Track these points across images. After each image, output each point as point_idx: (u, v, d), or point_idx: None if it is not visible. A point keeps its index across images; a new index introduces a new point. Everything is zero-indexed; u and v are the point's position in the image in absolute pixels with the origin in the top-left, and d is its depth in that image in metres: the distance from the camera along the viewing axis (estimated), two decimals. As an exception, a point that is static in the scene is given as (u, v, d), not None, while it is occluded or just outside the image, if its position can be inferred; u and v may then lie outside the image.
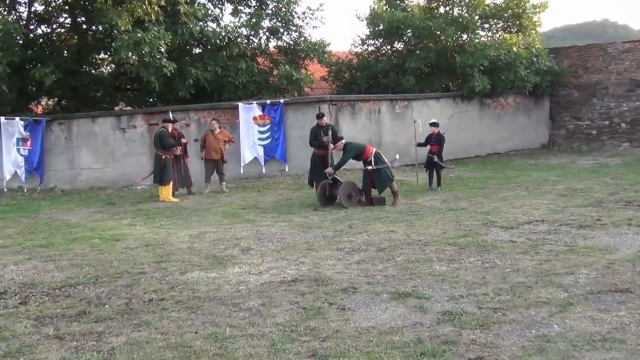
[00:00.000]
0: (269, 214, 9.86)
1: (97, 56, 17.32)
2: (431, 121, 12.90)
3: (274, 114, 14.79)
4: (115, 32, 13.61)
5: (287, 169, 15.08)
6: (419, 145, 12.36)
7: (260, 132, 14.88)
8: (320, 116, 11.54)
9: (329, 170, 10.33)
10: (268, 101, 14.90)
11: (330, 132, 11.01)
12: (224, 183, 13.35)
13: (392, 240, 7.09)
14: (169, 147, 11.88)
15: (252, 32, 16.14)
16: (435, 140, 12.30)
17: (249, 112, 14.71)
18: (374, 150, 10.38)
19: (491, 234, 7.22)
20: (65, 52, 16.16)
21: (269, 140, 14.87)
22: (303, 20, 17.16)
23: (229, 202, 11.59)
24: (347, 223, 8.56)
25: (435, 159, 12.06)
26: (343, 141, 10.33)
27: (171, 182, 12.02)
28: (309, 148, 12.00)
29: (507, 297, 4.64)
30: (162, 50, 13.76)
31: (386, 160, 10.41)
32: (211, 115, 14.62)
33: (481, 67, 17.31)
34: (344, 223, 8.57)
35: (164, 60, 13.90)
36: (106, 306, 4.87)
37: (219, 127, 13.30)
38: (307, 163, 12.28)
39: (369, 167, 10.18)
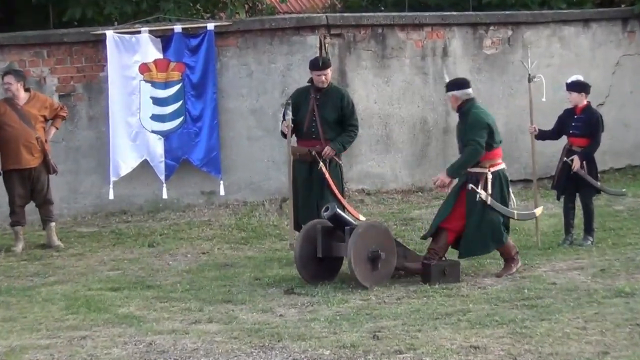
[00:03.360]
0: (178, 304, 8.26)
1: None
2: (571, 79, 10.55)
3: (190, 58, 12.76)
4: None
5: (221, 191, 12.81)
6: (541, 137, 10.57)
7: (158, 103, 12.67)
8: (318, 65, 9.84)
9: (441, 179, 9.11)
10: (177, 27, 12.77)
11: (340, 105, 9.80)
12: (52, 225, 11.07)
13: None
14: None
15: None
16: (580, 125, 10.29)
17: (128, 53, 12.71)
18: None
19: None
20: None
21: (177, 123, 12.75)
22: None
23: (79, 271, 9.91)
24: (367, 327, 7.26)
25: (579, 168, 10.04)
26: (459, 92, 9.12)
27: None
28: (281, 142, 10.75)
29: None
30: None
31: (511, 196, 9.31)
32: (37, 60, 12.65)
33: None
34: (359, 327, 7.25)
35: None
36: None
37: (29, 91, 11.05)
38: (278, 178, 11.74)
39: (480, 195, 8.85)
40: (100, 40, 12.54)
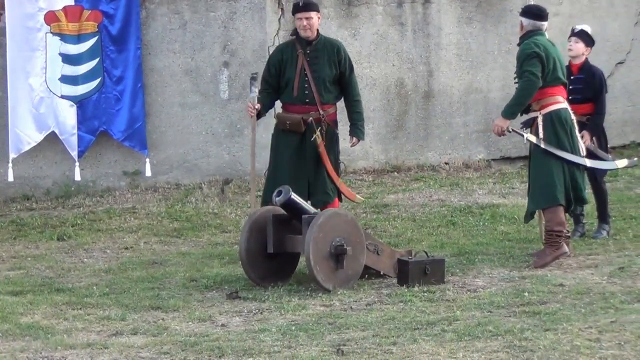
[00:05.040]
0: (94, 311, 8.27)
1: None
2: (579, 27, 10.89)
3: (108, 5, 12.64)
4: None
5: (147, 171, 12.69)
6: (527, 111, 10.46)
7: (69, 61, 12.61)
8: (298, 5, 9.98)
9: (497, 124, 9.71)
10: None
11: (336, 59, 9.93)
12: None
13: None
14: None
15: None
16: (580, 88, 10.43)
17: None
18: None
19: None
20: None
21: (93, 86, 12.71)
22: None
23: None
24: (330, 339, 7.37)
25: (589, 143, 10.09)
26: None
27: None
28: (223, 109, 11.86)
29: None
30: None
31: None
32: None
33: None
34: (319, 340, 7.34)
35: None
36: None
37: None
38: (219, 154, 12.27)
39: (529, 138, 9.45)
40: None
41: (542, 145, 9.25)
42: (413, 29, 13.42)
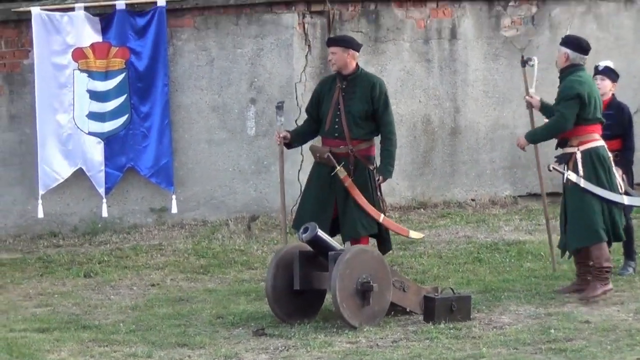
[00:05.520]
0: (121, 348, 8.15)
1: None
2: (604, 64, 10.79)
3: (136, 42, 12.71)
4: None
5: (173, 207, 12.74)
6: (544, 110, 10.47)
7: (97, 97, 12.62)
8: (327, 40, 10.68)
9: (521, 141, 10.24)
10: (120, 2, 12.72)
11: (370, 95, 9.86)
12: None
13: None
14: None
15: None
16: (609, 124, 10.23)
17: (59, 36, 12.59)
18: None
19: None
20: None
21: (120, 123, 12.73)
22: None
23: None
24: None
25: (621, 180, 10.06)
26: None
27: None
28: (250, 146, 12.01)
29: None
30: None
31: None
32: None
33: None
34: None
35: None
36: None
37: None
38: (246, 191, 12.36)
39: (569, 177, 9.34)
40: (25, 20, 12.45)
41: (582, 184, 9.16)
42: (440, 66, 13.44)
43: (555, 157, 9.55)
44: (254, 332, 8.39)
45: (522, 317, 8.74)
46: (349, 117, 9.68)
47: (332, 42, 10.13)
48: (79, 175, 12.30)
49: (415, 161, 12.65)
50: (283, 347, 8.02)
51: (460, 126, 13.27)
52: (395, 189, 12.63)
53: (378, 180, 9.89)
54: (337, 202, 9.78)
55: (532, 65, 10.59)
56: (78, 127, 12.33)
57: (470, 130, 13.49)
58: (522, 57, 10.85)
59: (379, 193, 9.89)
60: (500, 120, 13.59)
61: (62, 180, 12.31)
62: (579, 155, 9.20)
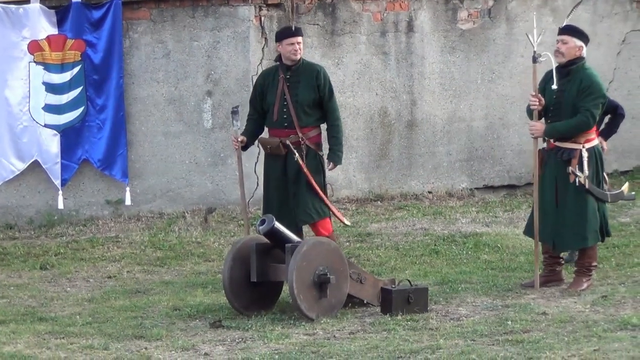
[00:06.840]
0: (77, 340, 8.14)
1: None
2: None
3: (92, 34, 12.59)
4: None
5: (127, 200, 12.59)
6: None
7: (53, 90, 12.50)
8: (290, 31, 10.07)
9: (538, 127, 9.82)
10: None
11: (315, 83, 9.98)
12: None
13: None
14: None
15: None
16: None
17: (15, 29, 12.46)
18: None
19: None
20: None
21: (77, 114, 12.62)
22: None
23: None
24: None
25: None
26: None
27: None
28: (206, 138, 11.75)
29: None
30: None
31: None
32: None
33: None
34: None
35: None
36: None
37: None
38: (202, 183, 12.24)
39: (579, 178, 9.18)
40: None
41: (587, 186, 9.11)
42: (396, 58, 13.45)
43: (558, 151, 9.32)
44: (211, 324, 8.39)
45: (479, 309, 8.77)
46: (297, 106, 9.74)
47: (299, 31, 10.10)
48: (35, 167, 12.19)
49: (372, 153, 12.64)
50: (240, 339, 8.04)
51: (417, 119, 13.25)
52: (352, 181, 12.60)
53: (329, 166, 9.98)
54: (288, 187, 9.83)
55: (545, 60, 10.30)
56: (34, 120, 12.21)
57: (427, 123, 13.46)
58: (534, 52, 10.64)
59: (325, 178, 10.03)
60: (457, 113, 13.58)
61: (17, 173, 12.22)
62: (585, 154, 9.15)
